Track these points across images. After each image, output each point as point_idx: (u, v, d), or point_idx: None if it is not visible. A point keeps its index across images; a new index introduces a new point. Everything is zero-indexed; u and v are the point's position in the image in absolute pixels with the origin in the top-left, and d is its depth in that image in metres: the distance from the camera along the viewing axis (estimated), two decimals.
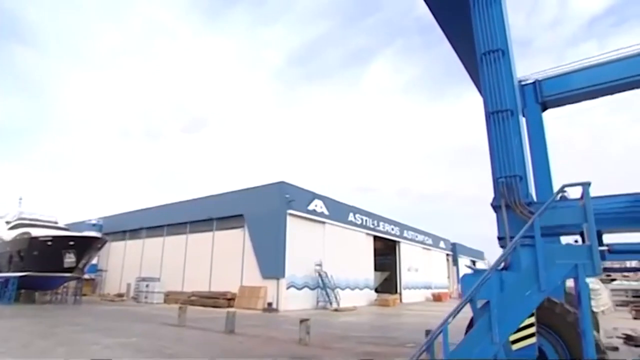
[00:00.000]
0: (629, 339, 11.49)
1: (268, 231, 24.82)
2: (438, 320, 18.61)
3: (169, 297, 27.60)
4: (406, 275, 37.81)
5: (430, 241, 44.83)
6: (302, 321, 10.93)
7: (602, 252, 5.63)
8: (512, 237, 5.65)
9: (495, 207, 6.10)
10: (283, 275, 23.68)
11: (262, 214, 25.46)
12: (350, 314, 22.42)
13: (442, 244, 48.24)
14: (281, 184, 25.47)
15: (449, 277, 49.25)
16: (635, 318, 22.01)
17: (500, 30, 7.04)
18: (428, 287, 41.75)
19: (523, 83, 12.98)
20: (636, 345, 11.09)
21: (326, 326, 15.57)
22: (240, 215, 26.76)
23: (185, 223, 31.11)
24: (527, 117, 13.33)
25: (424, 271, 41.53)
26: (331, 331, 14.00)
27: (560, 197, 4.81)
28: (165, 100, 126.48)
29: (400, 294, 35.97)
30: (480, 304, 5.38)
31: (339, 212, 29.98)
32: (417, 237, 41.86)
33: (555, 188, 6.57)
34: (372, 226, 33.95)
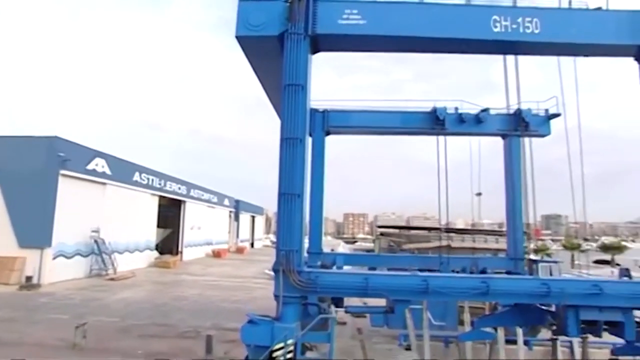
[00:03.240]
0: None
1: (31, 193, 21.27)
2: (216, 291, 20.63)
3: None
4: (189, 233, 38.79)
5: (215, 199, 46.66)
6: (77, 327, 10.60)
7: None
8: (284, 296, 7.57)
9: (275, 270, 7.83)
10: (49, 244, 21.08)
11: (24, 171, 21.48)
12: (127, 284, 22.15)
13: (226, 202, 50.85)
14: (53, 139, 21.92)
15: (229, 233, 52.72)
16: None
17: (301, 122, 8.45)
18: (209, 244, 43.94)
19: (314, 110, 15.45)
20: (356, 316, 15.13)
21: (102, 310, 15.24)
22: None
23: None
24: (314, 139, 16.04)
25: (206, 228, 43.31)
26: (109, 319, 13.82)
27: None
28: None
29: (182, 252, 36.90)
30: None
31: (123, 171, 27.99)
32: (203, 195, 42.92)
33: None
34: (158, 186, 33.06)
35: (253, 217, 65.34)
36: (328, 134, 16.37)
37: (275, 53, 9.09)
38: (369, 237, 78.89)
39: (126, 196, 28.29)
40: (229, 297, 19.36)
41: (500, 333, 10.54)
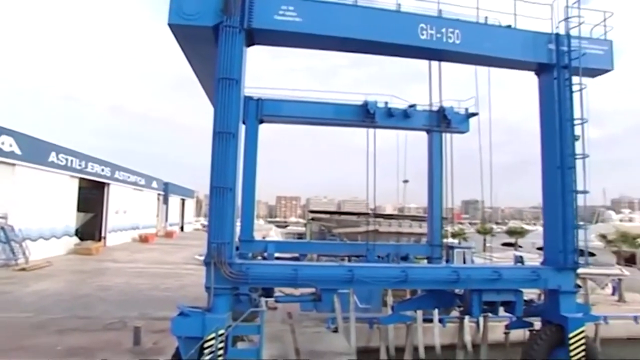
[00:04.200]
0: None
1: None
2: (144, 279, 19.97)
3: None
4: (114, 218, 36.63)
5: (143, 182, 44.38)
6: None
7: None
8: (216, 288, 7.75)
9: (207, 263, 7.94)
10: None
11: None
12: (43, 274, 20.57)
13: (154, 184, 48.54)
14: None
15: (158, 216, 50.57)
16: None
17: (235, 116, 8.50)
18: (136, 228, 41.85)
19: (249, 98, 15.37)
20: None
21: (13, 305, 13.94)
22: None
23: None
24: (247, 127, 16.02)
25: (133, 212, 41.13)
26: (21, 315, 12.70)
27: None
28: None
29: (105, 237, 34.83)
30: None
31: (36, 151, 25.54)
32: (129, 177, 40.62)
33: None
34: (78, 167, 30.67)
35: (183, 200, 63.10)
36: (262, 122, 16.39)
37: (209, 42, 8.93)
38: (301, 220, 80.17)
39: (40, 178, 25.96)
40: (157, 285, 18.85)
41: (419, 315, 11.71)
